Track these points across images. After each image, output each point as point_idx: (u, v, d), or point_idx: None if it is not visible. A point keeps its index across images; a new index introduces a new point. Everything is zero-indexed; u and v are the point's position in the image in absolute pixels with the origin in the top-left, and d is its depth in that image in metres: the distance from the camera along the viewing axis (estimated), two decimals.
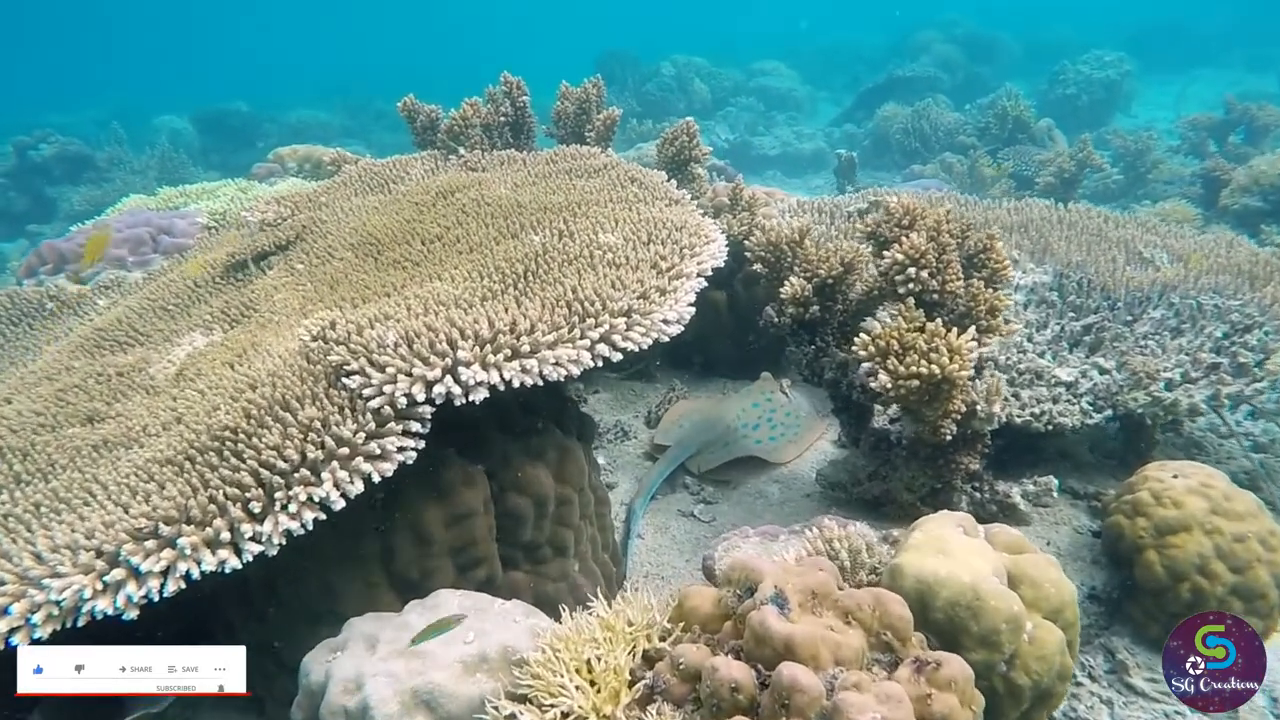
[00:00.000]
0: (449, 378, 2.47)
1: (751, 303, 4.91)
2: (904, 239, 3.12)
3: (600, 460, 4.51)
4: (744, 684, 1.86)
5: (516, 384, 2.53)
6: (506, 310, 2.73)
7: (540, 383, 2.57)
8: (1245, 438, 4.43)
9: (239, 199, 5.67)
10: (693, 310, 3.04)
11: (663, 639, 2.12)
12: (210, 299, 3.94)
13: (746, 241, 4.06)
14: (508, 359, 2.54)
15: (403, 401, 2.43)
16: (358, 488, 2.36)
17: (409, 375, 2.47)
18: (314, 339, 2.79)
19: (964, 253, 3.35)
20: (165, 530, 2.20)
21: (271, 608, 2.66)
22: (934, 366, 2.79)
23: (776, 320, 3.82)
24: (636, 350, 2.78)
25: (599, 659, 2.04)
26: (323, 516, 2.32)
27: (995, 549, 2.53)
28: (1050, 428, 3.54)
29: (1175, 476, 3.31)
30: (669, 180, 4.11)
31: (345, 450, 2.38)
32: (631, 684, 2.01)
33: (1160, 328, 4.14)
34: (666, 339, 2.88)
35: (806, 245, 3.64)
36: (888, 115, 14.08)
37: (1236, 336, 3.91)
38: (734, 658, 1.96)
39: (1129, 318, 4.24)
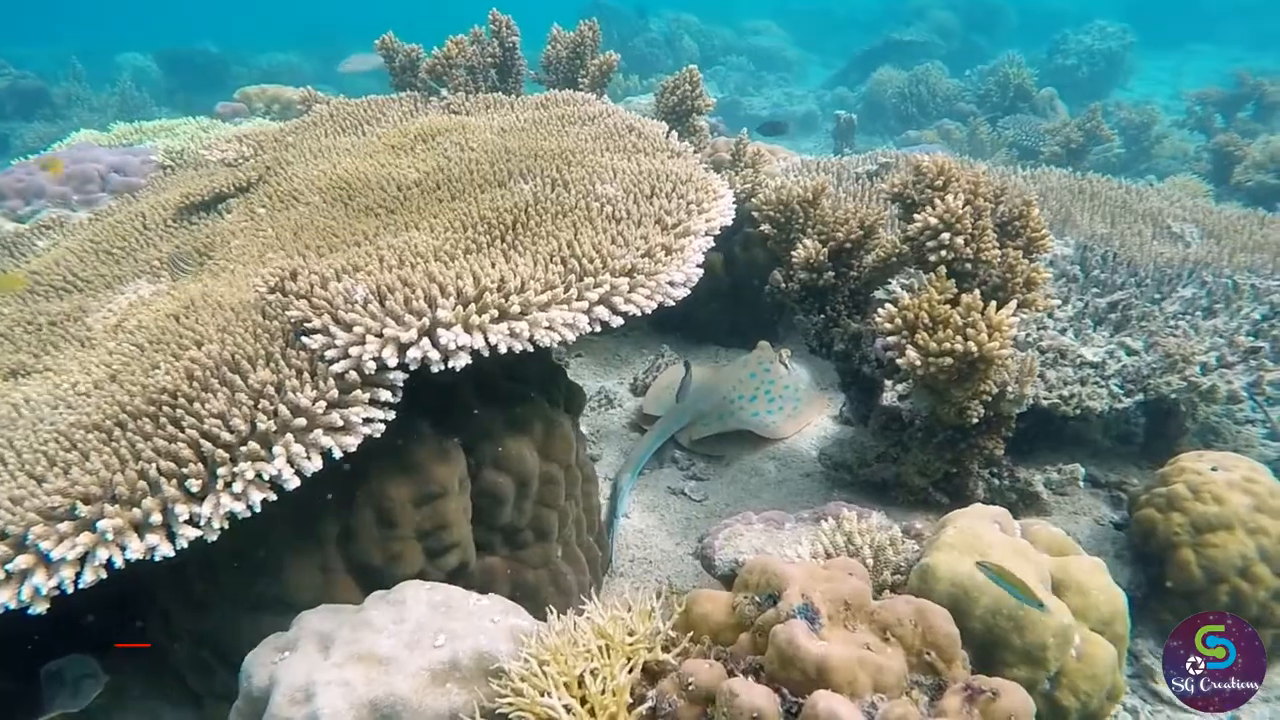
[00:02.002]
0: (426, 340, 2.13)
1: (750, 266, 4.59)
2: (938, 201, 2.80)
3: (583, 430, 4.20)
4: (768, 713, 1.57)
5: (504, 349, 2.20)
6: (494, 265, 2.39)
7: (530, 348, 2.24)
8: (1263, 424, 4.22)
9: (199, 138, 5.22)
10: (700, 272, 2.72)
11: (666, 649, 1.83)
12: (160, 243, 3.55)
13: (752, 200, 3.73)
14: (494, 320, 2.20)
15: (371, 366, 2.10)
16: (315, 464, 2.03)
17: (379, 336, 2.13)
18: (271, 291, 2.43)
19: (996, 219, 3.05)
20: (84, 510, 1.87)
21: (211, 592, 2.34)
22: (971, 344, 2.50)
23: (784, 286, 3.50)
24: (639, 314, 2.45)
25: (594, 674, 1.74)
26: (273, 497, 1.99)
27: (1036, 549, 2.27)
28: (1079, 412, 3.27)
29: (1214, 469, 3.06)
30: (670, 131, 3.76)
31: (302, 421, 2.04)
32: (631, 705, 1.71)
33: (1191, 307, 3.88)
34: (672, 302, 2.55)
35: (822, 205, 3.32)
36: (882, 79, 13.68)
37: (1277, 319, 3.66)
38: (753, 678, 1.67)
39: (1157, 295, 3.98)
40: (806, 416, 4.18)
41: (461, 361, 2.14)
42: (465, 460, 2.53)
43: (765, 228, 3.50)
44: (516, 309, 2.22)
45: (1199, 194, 6.72)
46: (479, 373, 2.63)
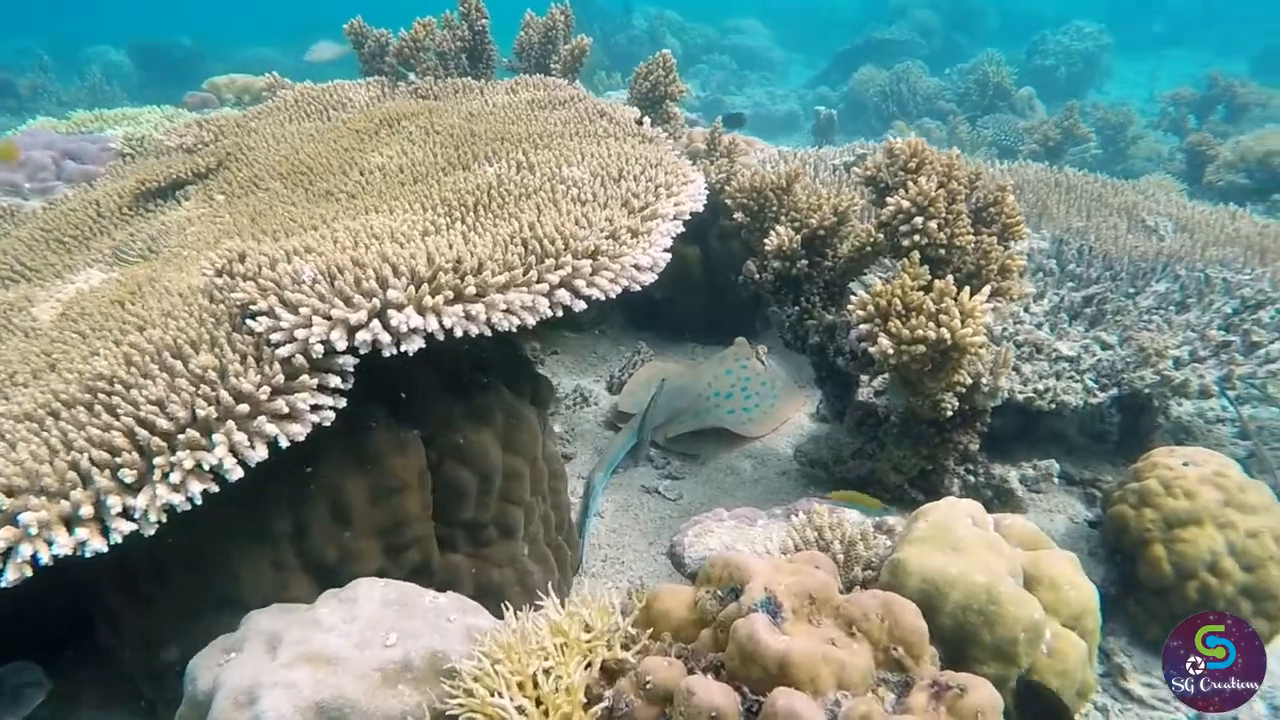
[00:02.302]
0: (376, 322, 2.04)
1: (728, 259, 4.52)
2: (910, 184, 2.74)
3: (557, 428, 4.12)
4: (726, 712, 1.49)
5: (459, 333, 2.11)
6: (451, 246, 2.30)
7: (488, 332, 2.15)
8: (1234, 423, 4.20)
9: (163, 125, 5.09)
10: (668, 256, 2.65)
11: (626, 647, 1.75)
12: (114, 231, 3.43)
13: (726, 188, 3.65)
14: (449, 302, 2.11)
15: (319, 350, 2.00)
16: (260, 453, 1.94)
17: (327, 318, 2.04)
18: (219, 273, 2.33)
19: (971, 206, 2.99)
20: (6, 503, 1.76)
21: (160, 593, 2.23)
22: (943, 330, 2.44)
23: (758, 276, 3.43)
24: (603, 299, 2.37)
25: (548, 673, 1.66)
26: (214, 488, 1.89)
27: (1009, 544, 2.20)
28: (1054, 406, 3.22)
29: (1186, 464, 3.02)
30: (643, 117, 3.68)
31: (245, 407, 1.95)
32: (587, 705, 1.63)
33: (1165, 301, 3.85)
34: (638, 287, 2.48)
35: (796, 191, 3.25)
36: (864, 78, 13.67)
37: (1248, 313, 3.63)
38: (714, 676, 1.60)
39: (1132, 290, 3.94)
40: (783, 414, 4.11)
41: (414, 345, 2.05)
42: (425, 453, 2.44)
43: (738, 215, 3.43)
44: (472, 290, 2.13)
45: (1173, 192, 6.72)
46: (439, 361, 2.55)
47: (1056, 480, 3.22)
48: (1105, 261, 4.03)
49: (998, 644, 1.95)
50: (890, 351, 2.52)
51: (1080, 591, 2.12)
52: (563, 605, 1.87)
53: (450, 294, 2.13)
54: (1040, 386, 3.18)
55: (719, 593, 1.72)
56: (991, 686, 1.58)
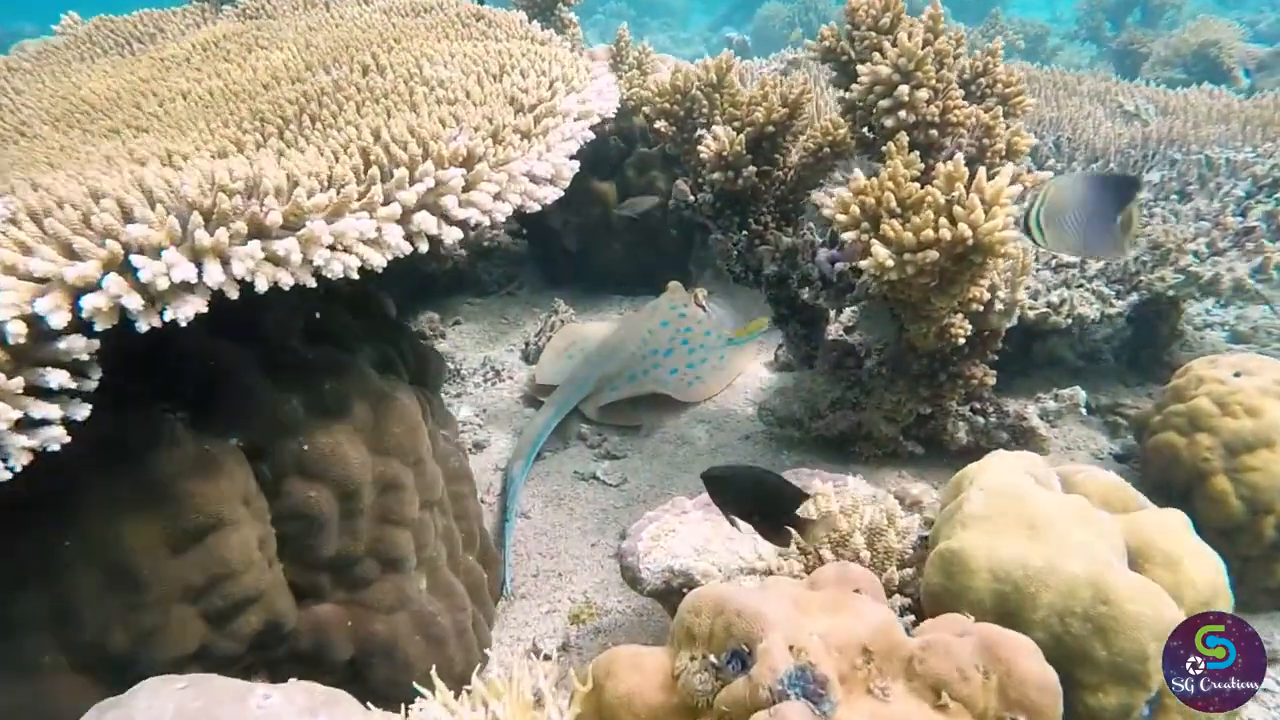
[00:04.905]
0: (116, 278, 1.26)
1: (649, 193, 3.80)
2: (887, 46, 2.07)
3: (465, 412, 3.37)
4: None
5: (263, 284, 1.36)
6: (251, 164, 1.53)
7: (309, 280, 1.41)
8: (1222, 327, 3.72)
9: None
10: (575, 167, 1.92)
11: None
12: None
13: (643, 91, 2.93)
14: (239, 240, 1.35)
15: (19, 331, 1.22)
16: None
17: (32, 279, 1.25)
18: None
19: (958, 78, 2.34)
20: None
21: None
22: (961, 227, 1.78)
23: (692, 198, 2.74)
24: (489, 225, 1.64)
25: None
26: None
27: (1093, 506, 1.58)
28: (1070, 321, 2.63)
29: (1238, 374, 2.47)
30: (532, 20, 2.93)
31: None
32: None
33: (1163, 191, 3.30)
34: (536, 206, 1.75)
35: (732, 82, 2.55)
36: (769, 13, 13.03)
37: (1264, 194, 3.10)
38: None
39: None
40: (736, 366, 3.44)
41: (187, 310, 1.29)
42: (252, 469, 1.68)
43: (660, 124, 2.71)
44: (277, 220, 1.37)
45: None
46: (262, 334, 1.79)
47: (1083, 410, 2.63)
48: (1089, 153, 3.46)
49: (1118, 661, 1.33)
50: (890, 264, 1.85)
51: (1205, 563, 1.51)
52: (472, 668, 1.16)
53: (244, 226, 1.36)
54: (1054, 299, 2.58)
55: (713, 660, 1.03)
56: None
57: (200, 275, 1.30)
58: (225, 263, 1.32)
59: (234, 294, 1.34)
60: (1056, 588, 1.35)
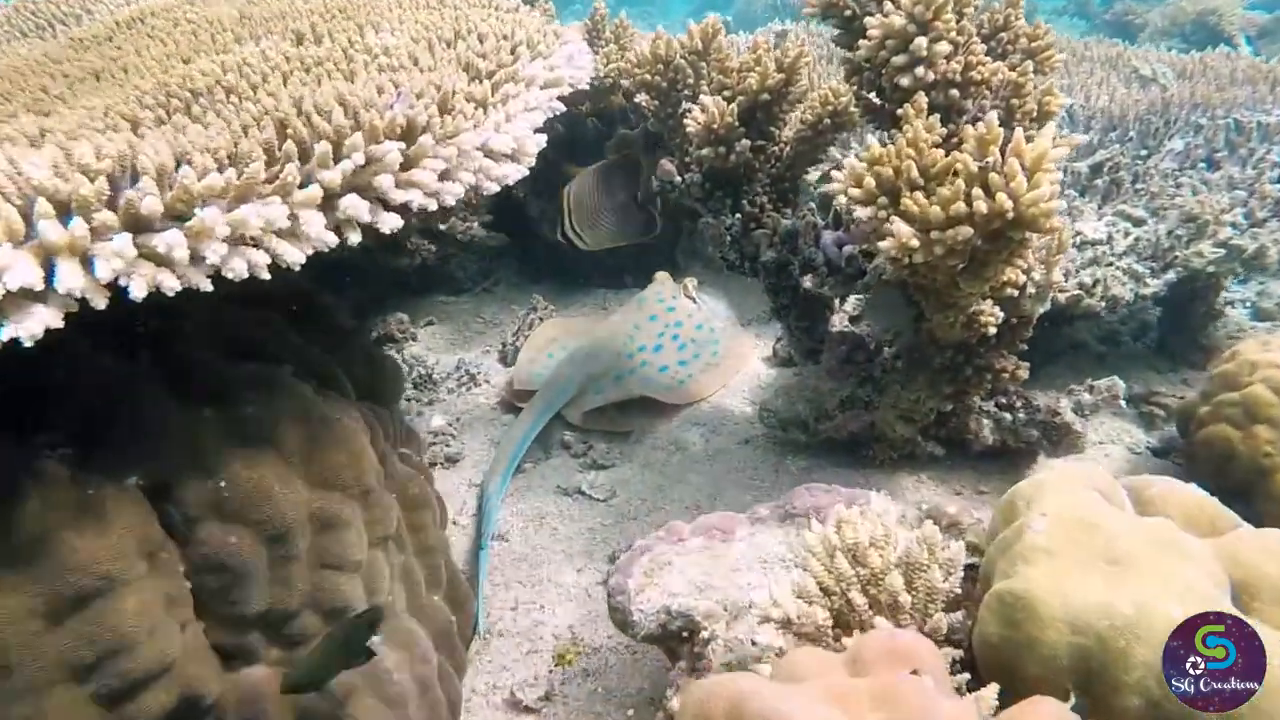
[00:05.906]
0: None
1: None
2: None
3: (438, 421, 3.07)
4: None
5: (139, 291, 1.07)
6: (130, 146, 1.23)
7: (204, 284, 1.12)
8: (1244, 304, 3.47)
9: None
10: (541, 142, 1.64)
11: None
12: None
13: (621, 64, 2.64)
14: (105, 234, 1.06)
15: None
16: None
17: None
18: None
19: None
20: None
21: None
22: (1002, 198, 1.50)
23: (679, 179, 2.45)
24: (433, 207, 1.35)
25: None
26: None
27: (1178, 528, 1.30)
28: (1104, 302, 2.36)
29: None
30: None
31: None
32: None
33: (1189, 160, 3.04)
34: (495, 187, 1.46)
35: (720, 47, 2.27)
36: None
37: None
38: None
39: (1143, 151, 3.12)
40: (732, 363, 3.16)
41: (35, 326, 1.00)
42: (158, 513, 1.39)
43: (642, 98, 2.43)
44: (156, 207, 1.07)
45: None
46: (166, 348, 1.50)
47: (1123, 403, 2.37)
48: (1107, 120, 3.19)
49: None
50: (914, 244, 1.57)
51: None
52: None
53: (110, 218, 1.07)
54: (1086, 279, 2.31)
55: None
56: None
57: (51, 280, 1.01)
58: (83, 260, 1.03)
59: (101, 302, 1.05)
60: (1153, 642, 1.08)
